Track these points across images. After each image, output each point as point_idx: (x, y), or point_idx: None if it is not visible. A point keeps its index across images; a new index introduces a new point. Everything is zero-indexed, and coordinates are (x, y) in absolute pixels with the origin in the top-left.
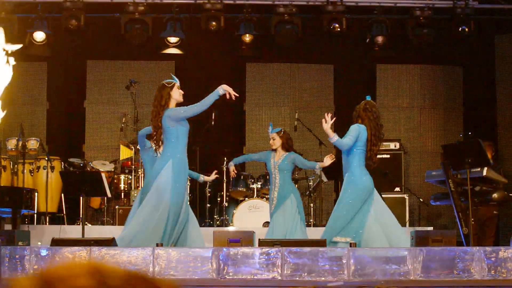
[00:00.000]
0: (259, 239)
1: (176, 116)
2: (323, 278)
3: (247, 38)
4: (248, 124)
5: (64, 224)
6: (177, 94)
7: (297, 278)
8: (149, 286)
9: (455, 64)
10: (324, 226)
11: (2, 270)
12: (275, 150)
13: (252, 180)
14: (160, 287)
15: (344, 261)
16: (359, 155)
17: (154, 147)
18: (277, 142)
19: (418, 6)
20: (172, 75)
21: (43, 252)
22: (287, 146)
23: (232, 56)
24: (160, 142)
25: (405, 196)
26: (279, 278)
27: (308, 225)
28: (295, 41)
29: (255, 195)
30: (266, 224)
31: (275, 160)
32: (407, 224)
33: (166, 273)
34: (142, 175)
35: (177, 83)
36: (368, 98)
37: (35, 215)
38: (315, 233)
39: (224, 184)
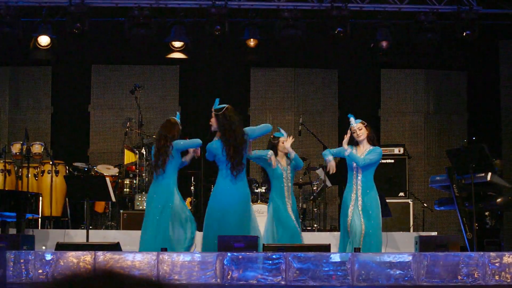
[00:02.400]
0: (263, 244)
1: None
2: (327, 283)
3: (252, 42)
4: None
5: (69, 228)
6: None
7: (302, 283)
8: None
9: (459, 69)
10: (328, 230)
11: (7, 274)
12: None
13: (256, 185)
14: None
15: (349, 266)
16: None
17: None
18: (363, 133)
19: (422, 11)
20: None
21: (48, 257)
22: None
23: (236, 61)
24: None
25: (409, 201)
26: (283, 283)
27: (312, 230)
28: (299, 45)
29: (259, 200)
30: None
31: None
32: (411, 229)
33: (171, 277)
34: (146, 179)
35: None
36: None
37: (40, 219)
38: (319, 238)
39: None
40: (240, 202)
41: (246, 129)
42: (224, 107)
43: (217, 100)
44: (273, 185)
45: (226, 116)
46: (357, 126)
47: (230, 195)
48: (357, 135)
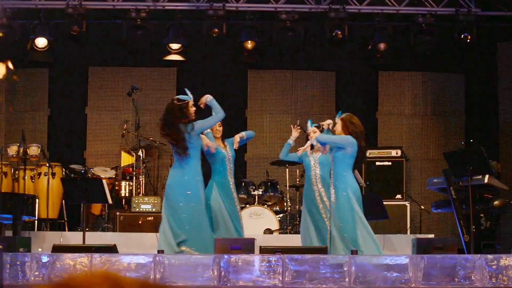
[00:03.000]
0: (260, 246)
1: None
2: (324, 286)
3: (249, 44)
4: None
5: (65, 230)
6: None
7: (298, 286)
8: None
9: (457, 72)
10: None
11: (3, 276)
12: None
13: (253, 187)
14: None
15: (346, 269)
16: None
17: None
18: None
19: (420, 13)
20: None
21: (44, 259)
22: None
23: (234, 63)
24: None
25: (407, 203)
26: (280, 285)
27: None
28: (297, 47)
29: (256, 202)
30: (267, 231)
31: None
32: (408, 231)
33: (167, 280)
34: (143, 181)
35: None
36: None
37: (36, 221)
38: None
39: None
40: (174, 188)
41: (198, 122)
42: (173, 99)
43: (188, 94)
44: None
45: (167, 108)
46: (312, 130)
47: (169, 180)
48: (311, 137)
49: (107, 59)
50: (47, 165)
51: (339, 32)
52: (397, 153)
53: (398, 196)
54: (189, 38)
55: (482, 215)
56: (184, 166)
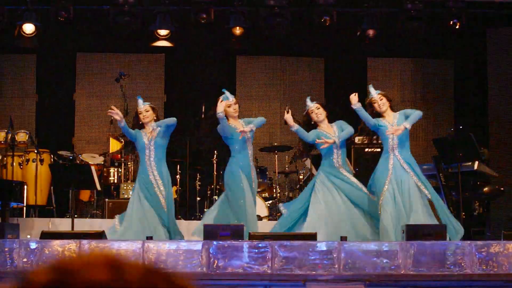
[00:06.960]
0: (249, 233)
1: None
2: (313, 272)
3: (237, 31)
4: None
5: (54, 217)
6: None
7: (288, 272)
8: (167, 283)
9: (446, 58)
10: None
11: None
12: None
13: None
14: (179, 284)
15: (335, 255)
16: None
17: None
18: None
19: None
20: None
21: (33, 245)
22: None
23: (222, 49)
24: None
25: None
26: (269, 271)
27: None
28: (285, 34)
29: None
30: (257, 217)
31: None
32: None
33: (156, 266)
34: (132, 167)
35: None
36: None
37: (24, 208)
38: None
39: (214, 177)
40: None
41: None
42: None
43: None
44: None
45: None
46: (315, 106)
47: None
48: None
49: (95, 45)
50: (36, 151)
51: (328, 18)
52: None
53: None
54: (177, 24)
55: (477, 202)
56: None
